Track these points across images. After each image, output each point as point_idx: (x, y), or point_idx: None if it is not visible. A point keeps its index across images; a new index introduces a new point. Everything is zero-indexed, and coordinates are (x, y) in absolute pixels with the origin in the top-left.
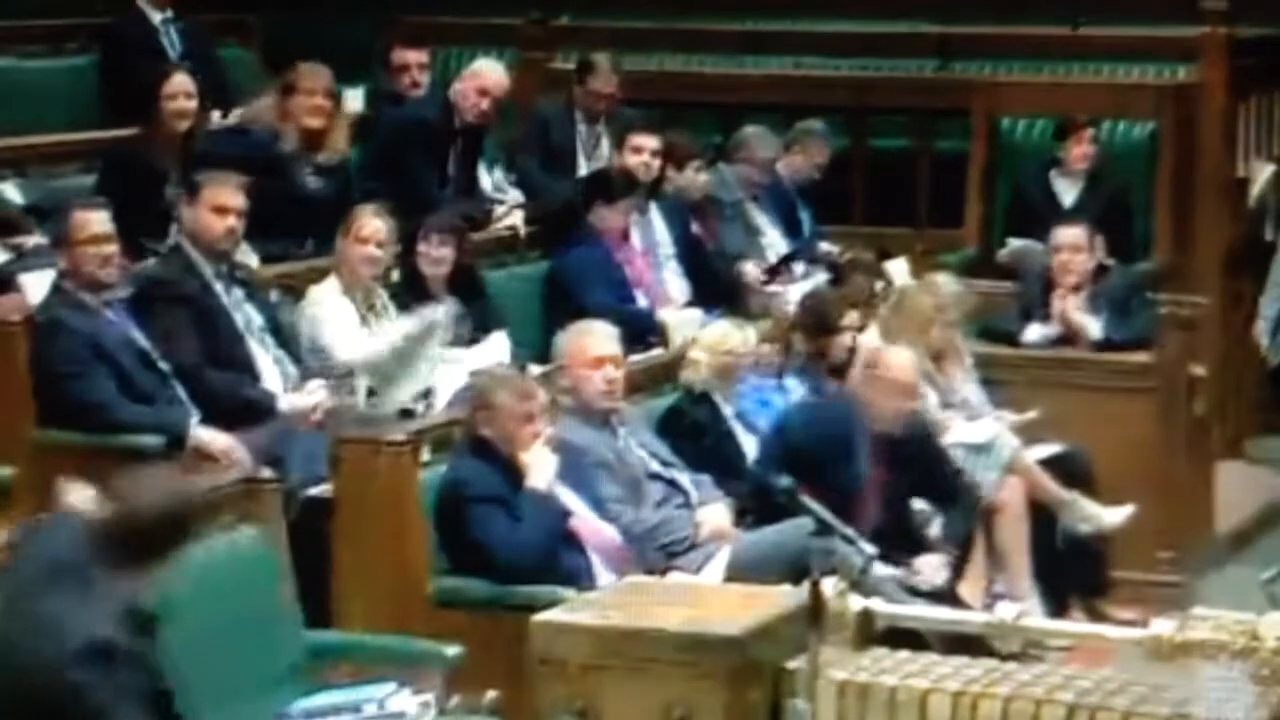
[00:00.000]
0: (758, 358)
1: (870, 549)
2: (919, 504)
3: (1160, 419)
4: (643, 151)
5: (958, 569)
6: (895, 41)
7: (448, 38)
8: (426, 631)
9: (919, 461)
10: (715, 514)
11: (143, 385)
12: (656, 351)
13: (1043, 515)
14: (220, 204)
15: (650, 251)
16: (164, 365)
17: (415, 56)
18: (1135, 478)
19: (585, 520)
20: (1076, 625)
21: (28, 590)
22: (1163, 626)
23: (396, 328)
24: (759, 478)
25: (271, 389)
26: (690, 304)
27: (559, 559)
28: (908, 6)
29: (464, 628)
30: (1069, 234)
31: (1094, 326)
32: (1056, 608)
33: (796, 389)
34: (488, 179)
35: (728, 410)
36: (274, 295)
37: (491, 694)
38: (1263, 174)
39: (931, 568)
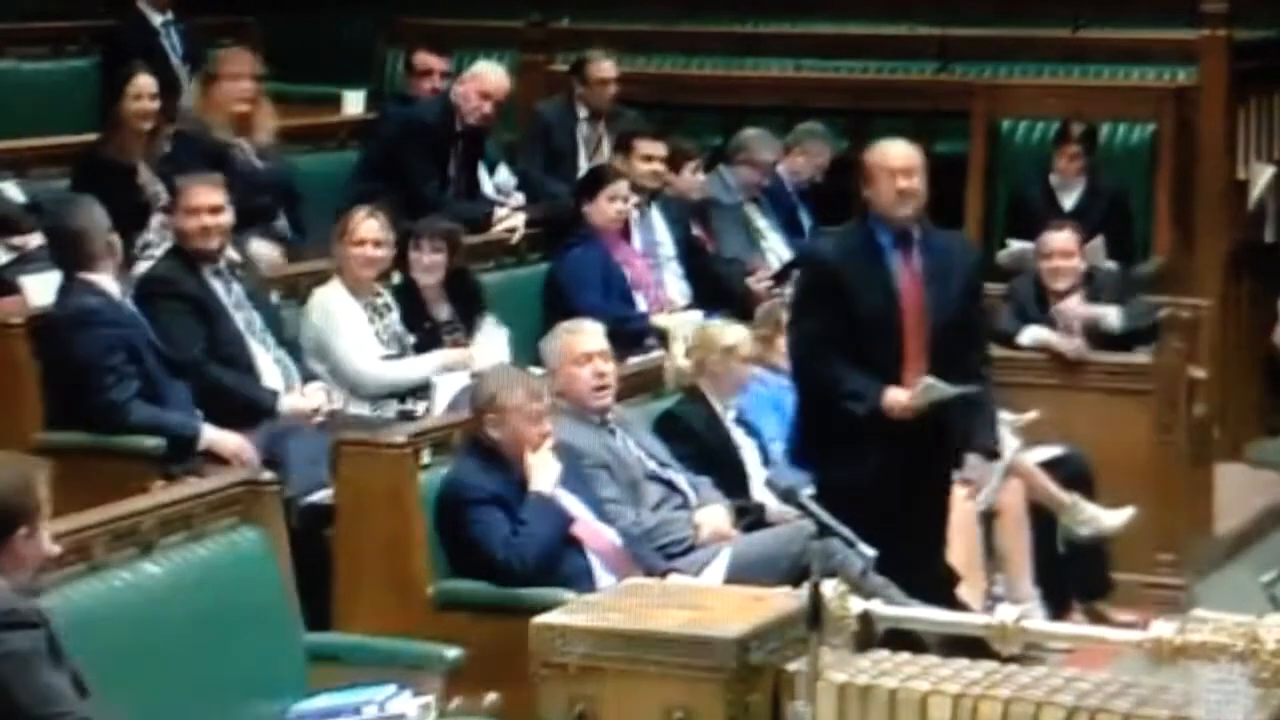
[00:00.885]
0: (760, 358)
1: (870, 551)
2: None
3: (1160, 421)
4: (653, 160)
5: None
6: (895, 44)
7: (448, 40)
8: (427, 634)
9: None
10: (714, 515)
11: (160, 385)
12: (657, 353)
13: (1043, 518)
14: (191, 206)
15: (650, 253)
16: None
17: (438, 62)
18: (1135, 480)
19: (585, 523)
20: (1077, 627)
21: None
22: (1163, 629)
23: (416, 366)
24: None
25: (273, 389)
26: (690, 306)
27: (560, 562)
28: (908, 9)
29: (464, 630)
30: (1058, 238)
31: (1112, 316)
32: (1057, 610)
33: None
34: (488, 181)
35: (724, 412)
36: (275, 297)
37: (492, 696)
38: (1263, 176)
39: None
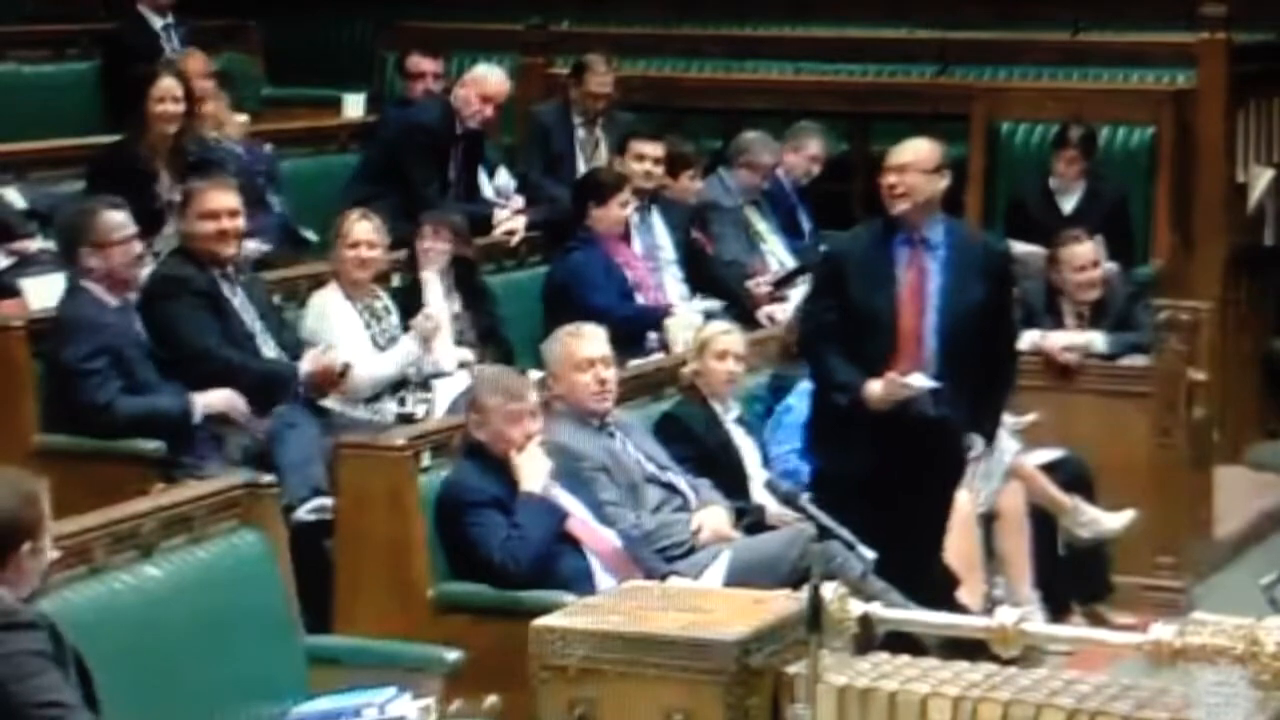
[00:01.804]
0: (761, 358)
1: (869, 554)
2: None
3: (1160, 424)
4: (645, 159)
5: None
6: (895, 47)
7: (447, 43)
8: (427, 636)
9: None
10: (714, 518)
11: (146, 381)
12: (657, 355)
13: (1043, 520)
14: (209, 209)
15: (650, 255)
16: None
17: (431, 64)
18: (1135, 483)
19: (583, 523)
20: (1077, 630)
21: None
22: (1162, 631)
23: (398, 354)
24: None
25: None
26: (690, 299)
27: (556, 563)
28: (908, 12)
29: (464, 632)
30: (1083, 252)
31: (1099, 341)
32: (1057, 612)
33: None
34: (488, 184)
35: (724, 413)
36: (276, 299)
37: (492, 699)
38: (1262, 179)
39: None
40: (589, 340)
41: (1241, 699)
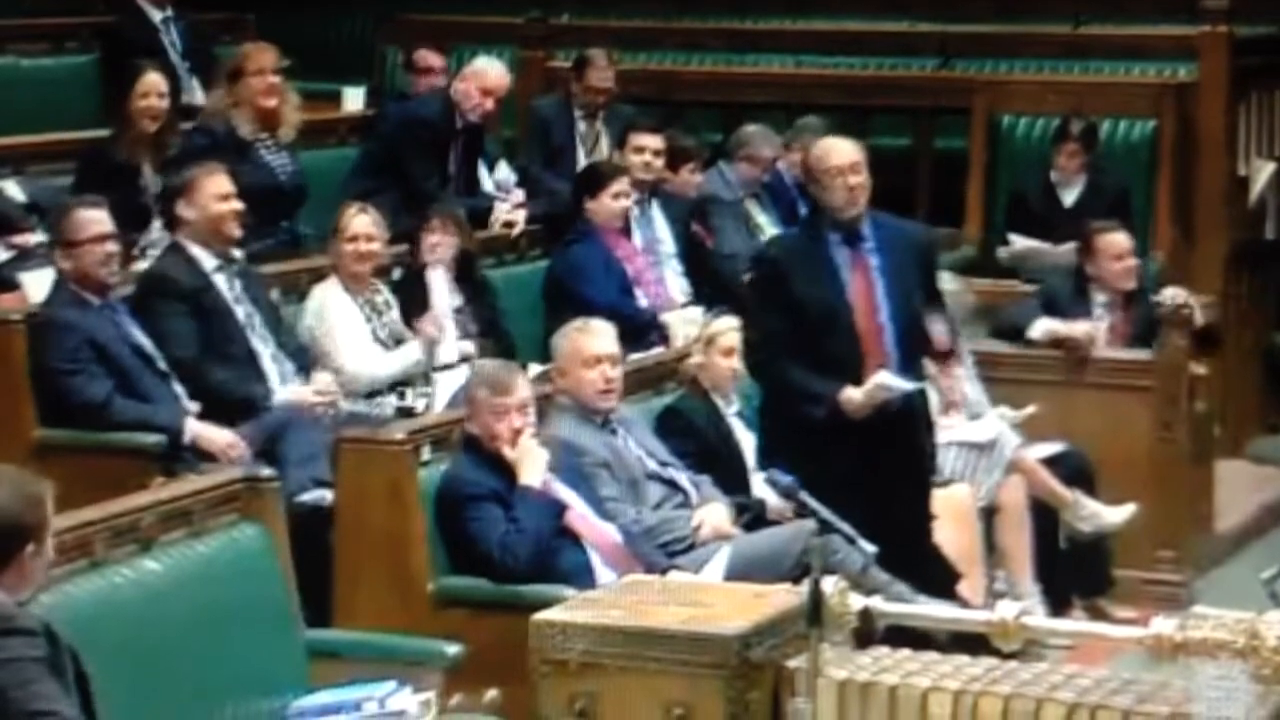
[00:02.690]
0: None
1: (870, 548)
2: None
3: (1161, 418)
4: (644, 151)
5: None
6: (896, 40)
7: (447, 36)
8: (427, 630)
9: None
10: (715, 513)
11: (142, 384)
12: (658, 350)
13: (1044, 514)
14: (224, 191)
15: (651, 249)
16: (163, 365)
17: (438, 60)
18: (1136, 476)
19: (583, 516)
20: (1077, 624)
21: None
22: (1163, 625)
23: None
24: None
25: (271, 385)
26: (690, 303)
27: (556, 557)
28: (908, 5)
29: (464, 626)
30: (1120, 239)
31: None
32: (1058, 606)
33: None
34: (488, 178)
35: (725, 408)
36: (275, 294)
37: (492, 693)
38: (1263, 172)
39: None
40: (597, 337)
41: (1242, 693)
